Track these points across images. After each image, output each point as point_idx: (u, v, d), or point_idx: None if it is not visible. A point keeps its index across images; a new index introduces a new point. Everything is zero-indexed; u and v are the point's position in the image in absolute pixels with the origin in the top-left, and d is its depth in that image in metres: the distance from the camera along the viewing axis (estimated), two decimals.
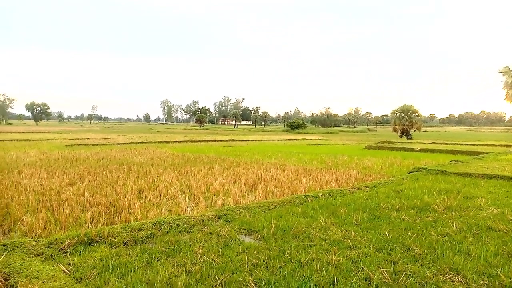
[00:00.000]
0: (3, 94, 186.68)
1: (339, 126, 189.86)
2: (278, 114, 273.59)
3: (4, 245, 6.19)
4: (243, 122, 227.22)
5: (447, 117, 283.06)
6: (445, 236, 7.23)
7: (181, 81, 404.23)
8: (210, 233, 7.37)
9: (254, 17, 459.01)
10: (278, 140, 50.95)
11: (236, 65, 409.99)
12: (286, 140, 51.64)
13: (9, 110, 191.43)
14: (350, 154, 27.85)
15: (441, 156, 26.61)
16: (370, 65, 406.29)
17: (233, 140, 47.51)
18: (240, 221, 8.22)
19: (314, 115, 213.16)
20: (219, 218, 8.43)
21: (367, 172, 17.36)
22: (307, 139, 54.58)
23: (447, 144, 40.14)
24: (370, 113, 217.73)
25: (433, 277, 5.32)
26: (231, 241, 6.90)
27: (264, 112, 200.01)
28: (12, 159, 19.99)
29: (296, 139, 53.89)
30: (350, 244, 6.74)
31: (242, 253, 6.28)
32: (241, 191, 12.14)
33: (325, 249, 6.53)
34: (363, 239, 7.06)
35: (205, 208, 9.82)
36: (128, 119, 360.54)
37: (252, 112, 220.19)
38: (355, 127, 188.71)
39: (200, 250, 6.27)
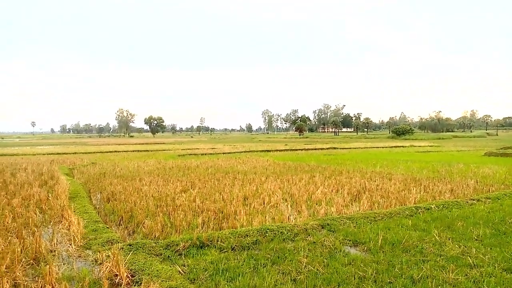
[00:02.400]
0: (126, 110, 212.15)
1: (452, 131, 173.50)
2: (382, 120, 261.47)
3: (130, 245, 6.95)
4: (344, 130, 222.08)
5: None
6: None
7: (280, 90, 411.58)
8: (314, 242, 7.31)
9: (351, 21, 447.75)
10: (382, 147, 48.61)
11: (335, 71, 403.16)
12: (392, 147, 49.00)
13: (131, 124, 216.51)
14: (466, 161, 25.27)
15: None
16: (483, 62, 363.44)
17: (334, 148, 46.69)
18: (345, 231, 8.01)
19: (423, 120, 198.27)
20: (322, 228, 8.33)
21: (488, 182, 15.53)
22: (415, 146, 51.04)
23: None
24: (489, 116, 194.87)
25: None
26: (336, 252, 6.76)
27: (367, 118, 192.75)
28: (134, 168, 22.45)
29: (403, 146, 50.81)
30: (470, 261, 6.09)
31: (348, 265, 6.10)
32: (344, 201, 11.83)
33: (440, 265, 6.00)
34: (486, 256, 6.31)
35: (308, 217, 9.78)
36: (232, 130, 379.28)
37: (354, 118, 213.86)
38: (471, 131, 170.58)
39: (305, 259, 6.25)
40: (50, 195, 12.43)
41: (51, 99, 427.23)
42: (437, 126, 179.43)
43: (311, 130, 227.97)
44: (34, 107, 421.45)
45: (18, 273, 5.74)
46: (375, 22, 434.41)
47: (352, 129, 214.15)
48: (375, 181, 16.03)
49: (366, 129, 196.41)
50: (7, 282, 5.30)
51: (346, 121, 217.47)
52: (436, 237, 7.44)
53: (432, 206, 10.32)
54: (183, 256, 6.62)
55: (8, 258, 6.15)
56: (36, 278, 5.77)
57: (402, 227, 8.41)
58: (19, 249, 6.64)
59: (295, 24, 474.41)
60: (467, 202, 11.15)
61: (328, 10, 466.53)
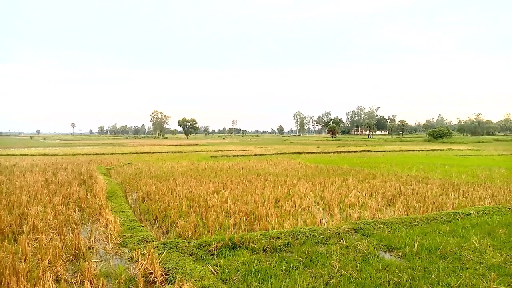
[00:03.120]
0: (161, 112, 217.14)
1: (493, 134, 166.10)
2: (418, 123, 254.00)
3: (164, 244, 7.11)
4: (378, 132, 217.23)
5: None
6: None
7: (313, 92, 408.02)
8: (347, 246, 7.20)
9: (386, 21, 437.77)
10: (418, 150, 47.18)
11: (369, 72, 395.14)
12: (428, 150, 47.46)
13: (165, 125, 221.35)
14: (509, 166, 24.10)
15: None
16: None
17: (368, 151, 45.79)
18: (379, 236, 7.84)
19: (462, 122, 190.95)
20: (355, 232, 8.19)
21: None
22: (453, 150, 49.20)
23: None
24: None
25: None
26: (370, 257, 6.62)
27: (402, 121, 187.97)
28: (168, 168, 22.93)
29: (440, 150, 49.10)
30: None
31: (382, 270, 5.96)
32: (378, 205, 11.58)
33: (480, 274, 5.75)
34: None
35: (340, 220, 9.64)
36: (264, 132, 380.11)
37: (388, 121, 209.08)
38: None
39: (337, 263, 6.17)
40: (88, 194, 12.91)
41: (90, 101, 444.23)
42: (476, 129, 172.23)
43: (344, 132, 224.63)
44: (74, 109, 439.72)
45: (59, 268, 6.00)
46: (411, 21, 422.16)
47: (387, 131, 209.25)
48: (411, 185, 15.59)
49: (401, 132, 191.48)
50: (50, 276, 5.54)
51: (381, 124, 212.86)
52: (476, 244, 7.14)
53: (472, 212, 9.92)
54: (215, 256, 6.69)
55: (50, 254, 6.44)
56: (76, 273, 6.01)
57: (439, 233, 8.13)
58: (60, 245, 6.94)
59: (328, 24, 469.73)
60: (509, 208, 10.64)
61: (362, 9, 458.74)
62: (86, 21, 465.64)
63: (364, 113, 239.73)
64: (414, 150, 47.33)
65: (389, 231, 8.27)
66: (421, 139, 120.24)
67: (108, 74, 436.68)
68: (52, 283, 5.37)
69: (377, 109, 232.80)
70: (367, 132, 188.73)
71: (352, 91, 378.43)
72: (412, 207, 11.29)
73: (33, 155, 37.05)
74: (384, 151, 45.73)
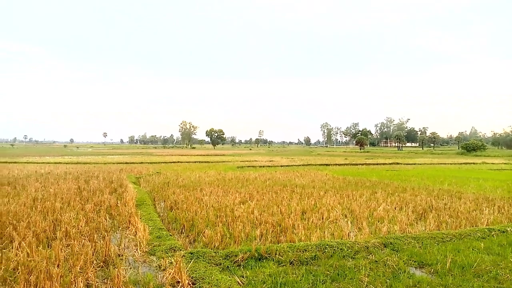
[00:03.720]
0: (189, 123, 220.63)
1: None
2: (450, 135, 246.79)
3: (191, 253, 7.17)
4: (408, 144, 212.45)
5: None
6: None
7: (340, 103, 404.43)
8: (376, 261, 7.03)
9: (416, 30, 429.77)
10: (450, 164, 45.71)
11: (399, 82, 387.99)
12: (461, 164, 45.89)
13: (193, 136, 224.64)
14: None
15: None
16: None
17: (397, 163, 44.78)
18: (409, 251, 7.61)
19: (497, 135, 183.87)
20: (385, 247, 8.00)
21: None
22: (488, 163, 47.38)
23: None
24: None
25: None
26: (400, 273, 6.44)
27: (433, 133, 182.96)
28: (195, 178, 23.19)
29: (473, 163, 47.39)
30: None
31: (412, 287, 5.80)
32: (408, 219, 11.26)
33: None
34: None
35: (369, 234, 9.43)
36: (290, 143, 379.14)
37: (419, 133, 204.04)
38: None
39: (366, 279, 6.03)
40: (119, 202, 13.22)
41: (121, 112, 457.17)
42: None
43: (372, 144, 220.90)
44: (106, 119, 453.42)
45: (90, 274, 6.15)
46: (442, 30, 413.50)
47: (417, 144, 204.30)
48: (443, 199, 15.10)
49: (432, 144, 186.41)
50: (81, 281, 5.69)
51: (411, 136, 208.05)
52: None
53: (508, 229, 9.50)
54: (241, 267, 6.68)
55: (82, 260, 6.62)
56: (106, 280, 6.14)
57: (473, 250, 7.82)
58: (91, 252, 7.12)
59: (355, 34, 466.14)
60: None
61: (391, 19, 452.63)
62: (115, 32, 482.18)
63: (394, 124, 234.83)
64: (446, 164, 45.89)
65: (420, 247, 8.03)
66: (453, 152, 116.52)
67: (138, 85, 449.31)
68: None
69: (407, 121, 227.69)
70: (396, 144, 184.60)
71: (381, 102, 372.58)
72: (444, 222, 10.93)
73: (66, 163, 38.38)
74: (414, 164, 44.57)
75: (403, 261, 7.05)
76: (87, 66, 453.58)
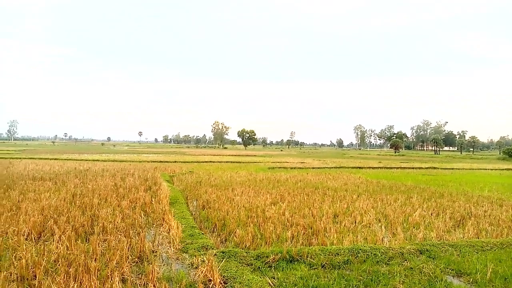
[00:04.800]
0: (221, 123, 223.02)
1: None
2: (491, 139, 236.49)
3: (223, 252, 7.23)
4: (446, 148, 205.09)
5: None
6: None
7: (375, 105, 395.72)
8: (411, 268, 6.83)
9: (454, 31, 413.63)
10: (491, 169, 43.70)
11: (436, 84, 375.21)
12: (503, 170, 43.77)
13: (225, 136, 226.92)
14: None
15: None
16: None
17: (434, 168, 43.30)
18: (447, 259, 7.35)
19: None
20: (420, 253, 7.75)
21: None
22: None
23: None
24: None
25: None
26: (436, 281, 6.22)
27: (473, 137, 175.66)
28: (227, 178, 23.39)
29: None
30: None
31: None
32: (445, 226, 10.87)
33: None
34: None
35: (404, 240, 9.17)
36: (322, 144, 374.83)
37: (457, 136, 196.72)
38: None
39: (401, 286, 5.87)
40: (153, 200, 13.54)
41: (156, 112, 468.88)
42: None
43: (408, 147, 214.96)
44: (141, 119, 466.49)
45: (125, 269, 6.34)
46: (482, 32, 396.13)
47: (455, 148, 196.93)
48: (483, 206, 14.47)
49: (471, 149, 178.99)
50: (117, 276, 5.87)
51: (449, 139, 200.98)
52: None
53: None
54: (272, 269, 6.67)
55: (117, 255, 6.83)
56: (140, 275, 6.30)
57: None
58: (126, 247, 7.34)
59: (390, 34, 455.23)
60: None
61: (427, 19, 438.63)
62: (149, 36, 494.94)
63: (431, 127, 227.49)
64: (486, 169, 43.92)
65: (458, 255, 7.73)
66: (495, 157, 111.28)
67: (172, 86, 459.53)
68: (118, 283, 5.68)
69: (445, 124, 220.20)
70: (433, 148, 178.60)
71: (418, 105, 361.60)
72: (484, 230, 10.46)
73: (104, 161, 39.73)
74: (452, 168, 42.97)
75: (440, 269, 6.81)
76: (121, 67, 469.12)
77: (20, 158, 40.86)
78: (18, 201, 12.53)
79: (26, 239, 8.25)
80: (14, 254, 6.91)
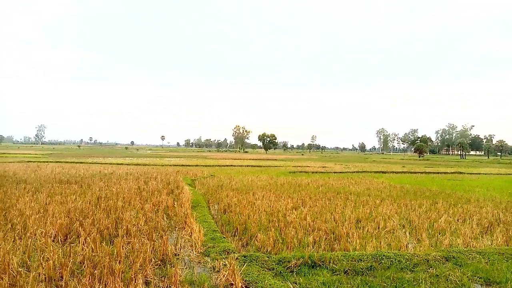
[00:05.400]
0: (242, 127, 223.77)
1: None
2: None
3: (245, 257, 7.23)
4: (472, 153, 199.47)
5: None
6: None
7: (398, 109, 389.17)
8: (437, 275, 6.65)
9: (479, 33, 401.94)
10: None
11: (461, 87, 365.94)
12: None
13: (246, 140, 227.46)
14: None
15: None
16: None
17: (460, 172, 42.17)
18: (474, 267, 7.12)
19: None
20: (446, 260, 7.55)
21: None
22: None
23: None
24: None
25: None
26: None
27: (500, 141, 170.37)
28: (248, 182, 23.43)
29: None
30: None
31: None
32: (473, 233, 10.54)
33: None
34: None
35: (429, 246, 8.96)
36: (344, 149, 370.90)
37: (484, 140, 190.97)
38: None
39: None
40: (175, 203, 13.69)
41: (178, 117, 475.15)
42: None
43: (432, 152, 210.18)
44: (163, 123, 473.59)
45: (148, 272, 6.42)
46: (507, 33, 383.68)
47: (482, 152, 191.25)
48: None
49: (499, 153, 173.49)
50: (140, 278, 5.95)
51: (475, 143, 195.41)
52: None
53: None
54: (294, 274, 6.63)
55: (141, 257, 6.93)
56: (163, 278, 6.37)
57: None
58: (149, 250, 7.43)
59: (413, 38, 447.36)
60: None
61: (443, 23, 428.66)
62: (172, 41, 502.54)
63: (456, 131, 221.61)
64: None
65: (486, 262, 7.48)
66: None
67: (192, 90, 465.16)
68: (142, 285, 5.76)
69: (471, 128, 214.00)
70: (459, 152, 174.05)
71: (442, 109, 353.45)
72: None
73: (127, 165, 40.49)
74: (479, 173, 41.72)
75: (467, 277, 6.61)
76: (147, 72, 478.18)
77: (47, 162, 42.10)
78: (46, 203, 12.89)
79: (53, 240, 8.47)
80: (42, 255, 7.11)
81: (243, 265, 6.70)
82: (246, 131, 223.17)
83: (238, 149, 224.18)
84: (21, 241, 8.11)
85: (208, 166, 42.21)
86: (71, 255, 7.10)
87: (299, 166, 46.75)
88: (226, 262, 6.75)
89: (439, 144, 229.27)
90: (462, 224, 11.82)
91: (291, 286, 5.96)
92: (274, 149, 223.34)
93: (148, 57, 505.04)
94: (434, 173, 40.81)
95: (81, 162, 43.01)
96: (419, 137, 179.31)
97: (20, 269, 6.34)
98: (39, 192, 15.53)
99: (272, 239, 8.97)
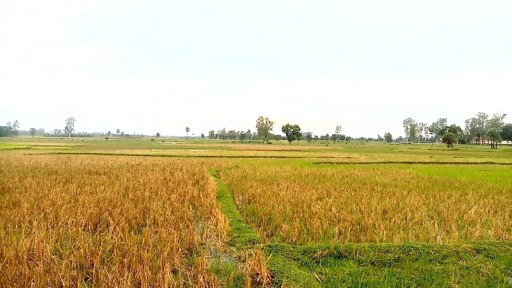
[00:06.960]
0: (266, 118, 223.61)
1: None
2: None
3: (270, 247, 7.26)
4: (504, 142, 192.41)
5: None
6: None
7: (426, 98, 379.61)
8: (467, 267, 6.48)
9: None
10: None
11: (492, 76, 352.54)
12: None
13: (269, 131, 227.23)
14: None
15: None
16: None
17: (491, 163, 40.80)
18: (507, 260, 6.90)
19: None
20: (477, 252, 7.35)
21: None
22: None
23: None
24: None
25: None
26: (496, 282, 5.87)
27: None
28: (272, 173, 23.43)
29: None
30: None
31: None
32: (505, 224, 10.20)
33: None
34: None
35: (458, 238, 8.74)
36: (370, 139, 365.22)
37: None
38: None
39: (456, 286, 5.60)
40: (201, 193, 13.86)
41: (203, 109, 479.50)
42: None
43: (462, 141, 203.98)
44: (189, 115, 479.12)
45: (176, 260, 6.54)
46: None
47: None
48: None
49: None
50: (168, 267, 6.07)
51: (508, 133, 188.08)
52: None
53: None
54: (320, 264, 6.60)
55: (168, 246, 7.06)
56: (190, 267, 6.48)
57: None
58: (176, 239, 7.56)
59: (439, 27, 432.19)
60: None
61: (492, 10, 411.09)
62: (202, 35, 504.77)
63: (487, 120, 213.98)
64: None
65: None
66: None
67: (219, 83, 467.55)
68: (170, 273, 5.87)
69: (503, 117, 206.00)
70: (490, 142, 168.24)
71: (472, 97, 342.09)
72: None
73: (153, 156, 41.22)
74: (511, 163, 40.27)
75: (500, 269, 6.41)
76: (179, 67, 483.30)
77: (76, 154, 43.38)
78: (76, 193, 13.31)
79: (83, 229, 8.75)
80: (73, 244, 7.36)
81: (269, 255, 6.72)
82: (269, 122, 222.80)
83: (262, 140, 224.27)
84: (53, 230, 8.40)
85: (232, 157, 42.44)
86: (101, 244, 7.31)
87: (324, 157, 46.34)
88: (252, 252, 6.79)
89: (468, 133, 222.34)
90: (493, 215, 11.45)
91: (317, 277, 5.94)
92: (298, 140, 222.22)
93: (175, 52, 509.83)
94: (463, 163, 39.65)
95: (109, 154, 44.09)
96: (448, 127, 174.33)
97: (53, 257, 6.59)
98: (69, 183, 16.04)
99: (297, 229, 8.96)
